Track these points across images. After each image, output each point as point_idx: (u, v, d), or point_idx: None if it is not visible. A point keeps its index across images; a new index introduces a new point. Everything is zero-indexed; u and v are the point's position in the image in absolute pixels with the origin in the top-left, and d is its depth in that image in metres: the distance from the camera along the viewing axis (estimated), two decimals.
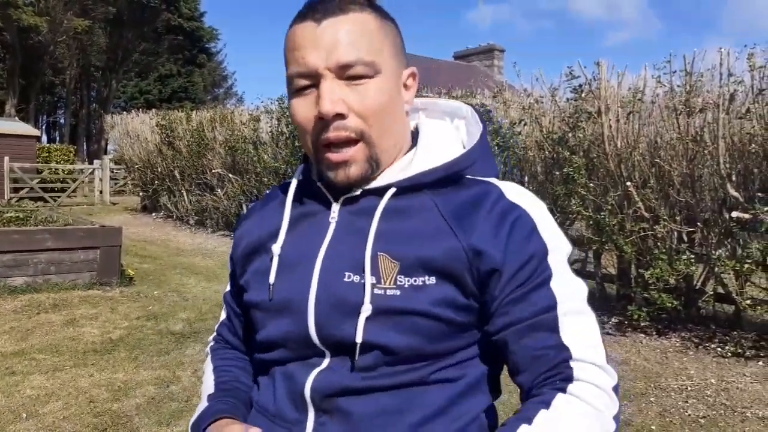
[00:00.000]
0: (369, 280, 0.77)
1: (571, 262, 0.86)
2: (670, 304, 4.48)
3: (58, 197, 15.51)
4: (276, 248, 0.86)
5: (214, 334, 1.06)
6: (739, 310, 4.54)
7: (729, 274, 4.53)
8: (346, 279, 0.79)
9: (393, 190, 0.82)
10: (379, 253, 0.78)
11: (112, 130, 15.20)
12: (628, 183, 4.68)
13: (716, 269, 4.51)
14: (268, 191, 1.05)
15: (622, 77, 4.87)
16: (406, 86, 0.87)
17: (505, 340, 0.77)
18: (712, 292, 4.68)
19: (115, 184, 17.60)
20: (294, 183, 0.92)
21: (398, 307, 0.76)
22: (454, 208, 0.80)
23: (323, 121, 0.78)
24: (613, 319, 5.08)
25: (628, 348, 4.39)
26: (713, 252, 4.43)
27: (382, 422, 0.76)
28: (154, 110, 14.11)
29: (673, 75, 4.47)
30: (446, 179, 0.83)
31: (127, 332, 4.42)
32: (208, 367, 1.00)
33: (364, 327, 0.76)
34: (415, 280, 0.77)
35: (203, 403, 0.91)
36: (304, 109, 0.80)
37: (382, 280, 0.77)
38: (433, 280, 0.77)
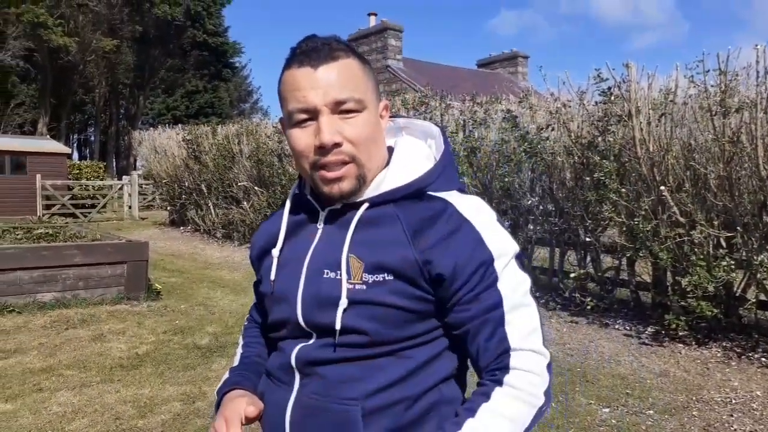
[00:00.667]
0: (345, 278, 0.95)
1: (520, 258, 1.00)
2: (709, 313, 4.30)
3: (89, 213, 15.76)
4: (275, 251, 1.07)
5: (248, 314, 1.28)
6: None
7: None
8: (325, 275, 0.98)
9: (366, 204, 1.00)
10: (349, 255, 0.96)
11: (139, 146, 15.43)
12: (662, 187, 4.53)
13: (758, 275, 4.31)
14: (280, 205, 1.23)
15: (653, 79, 4.72)
16: (381, 116, 1.05)
17: (464, 336, 0.96)
18: (754, 300, 4.48)
19: (144, 199, 17.84)
20: (290, 198, 1.12)
21: (364, 298, 0.94)
22: (414, 221, 0.97)
23: (322, 149, 0.95)
24: (649, 329, 4.91)
25: (666, 359, 4.22)
26: (754, 257, 4.25)
27: (347, 386, 0.95)
28: (180, 125, 14.28)
29: (706, 74, 4.32)
30: (409, 195, 1.00)
31: (153, 347, 4.41)
32: (240, 342, 1.23)
33: (342, 315, 0.95)
34: (376, 277, 0.94)
35: (226, 375, 1.12)
36: (303, 139, 0.97)
37: (352, 276, 0.95)
38: (390, 276, 0.94)
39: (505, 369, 0.93)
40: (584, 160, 5.20)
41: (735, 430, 3.11)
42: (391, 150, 1.09)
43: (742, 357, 4.18)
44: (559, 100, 5.43)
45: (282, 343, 1.06)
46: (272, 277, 1.06)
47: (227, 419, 1.01)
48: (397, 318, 0.95)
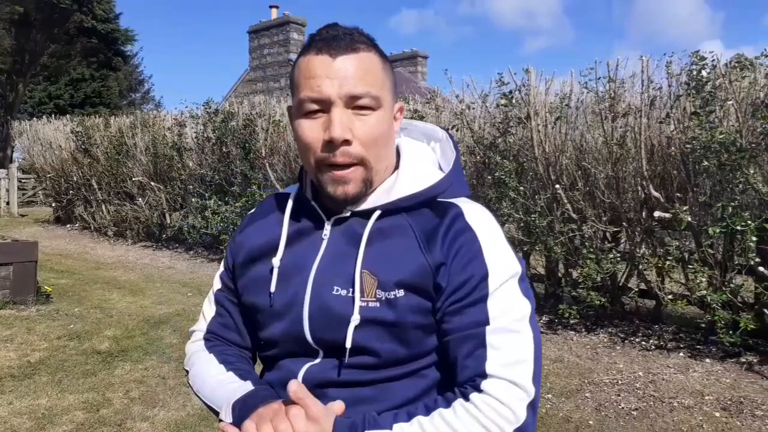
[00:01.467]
0: (358, 296, 0.89)
1: (524, 282, 0.94)
2: (597, 302, 4.66)
3: None
4: (276, 261, 0.98)
5: (203, 332, 1.09)
6: (660, 305, 4.79)
7: (651, 270, 4.77)
8: (334, 292, 0.92)
9: (378, 213, 0.95)
10: (362, 271, 0.91)
11: (20, 137, 14.25)
12: (557, 185, 4.84)
13: (639, 266, 4.73)
14: (263, 201, 1.13)
15: (550, 83, 5.03)
16: (395, 118, 0.99)
17: (446, 346, 0.90)
18: (636, 289, 4.91)
19: (24, 194, 16.50)
20: (291, 200, 1.04)
21: (378, 317, 0.89)
22: (425, 228, 0.93)
23: (330, 144, 0.89)
24: (543, 318, 5.24)
25: (560, 345, 4.53)
26: (636, 250, 4.65)
27: (359, 409, 0.88)
28: (68, 116, 13.35)
29: (597, 81, 4.66)
30: (423, 203, 0.96)
31: (47, 354, 4.13)
32: (212, 361, 1.03)
33: (353, 334, 0.89)
34: (389, 294, 0.89)
35: (244, 386, 0.94)
36: (312, 131, 0.91)
37: (365, 294, 0.89)
38: (402, 292, 0.89)
39: (476, 389, 0.85)
40: (486, 160, 5.44)
41: (623, 408, 3.41)
42: (396, 153, 1.03)
43: (626, 341, 4.57)
44: (463, 102, 5.65)
45: (283, 361, 0.98)
46: (272, 289, 0.97)
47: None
48: (410, 337, 0.90)
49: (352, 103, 0.89)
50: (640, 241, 4.69)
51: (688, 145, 4.14)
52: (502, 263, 0.91)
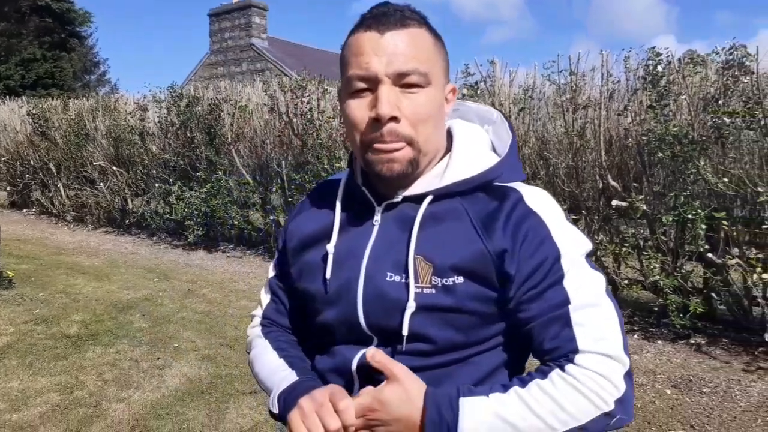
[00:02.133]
0: (413, 282, 0.88)
1: (590, 257, 0.93)
2: None
3: None
4: (330, 247, 0.97)
5: (260, 318, 1.14)
6: (616, 289, 5.03)
7: (608, 257, 5.00)
8: (388, 278, 0.90)
9: (429, 198, 0.92)
10: (416, 257, 0.89)
11: None
12: None
13: (598, 253, 4.95)
14: (313, 189, 1.12)
15: (514, 75, 5.19)
16: (447, 100, 0.96)
17: (530, 334, 0.89)
18: None
19: None
20: (342, 185, 1.02)
21: (435, 303, 0.87)
22: (482, 213, 0.90)
23: (377, 123, 0.87)
24: None
25: None
26: (595, 237, 4.87)
27: None
28: (23, 98, 12.94)
29: (559, 74, 4.84)
30: (477, 188, 0.93)
31: (15, 338, 4.10)
32: (267, 347, 1.07)
33: (409, 321, 0.88)
34: (446, 280, 0.87)
35: (290, 377, 0.96)
36: (359, 110, 0.89)
37: (420, 280, 0.88)
38: (461, 279, 0.87)
39: (571, 362, 0.83)
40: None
41: None
42: (447, 136, 1.00)
43: None
44: None
45: (336, 347, 0.97)
46: (328, 275, 0.95)
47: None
48: (467, 323, 0.89)
49: (401, 80, 0.87)
50: (599, 229, 4.91)
51: (644, 137, 4.35)
52: (571, 242, 0.90)
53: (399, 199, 0.95)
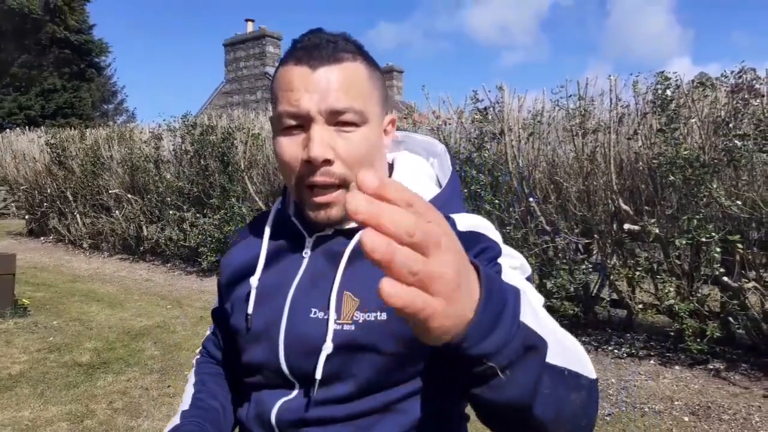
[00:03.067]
0: (332, 317, 0.83)
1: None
2: (571, 311, 4.81)
3: None
4: (253, 281, 0.92)
5: (201, 347, 1.13)
6: (631, 314, 4.96)
7: (622, 281, 4.94)
8: (312, 315, 0.85)
9: (361, 232, 0.82)
10: (345, 292, 0.83)
11: None
12: (530, 199, 5.00)
13: (611, 276, 4.90)
14: (253, 219, 1.08)
15: (522, 100, 5.20)
16: (386, 132, 0.92)
17: None
18: (607, 299, 5.07)
19: None
20: (272, 216, 0.98)
21: (353, 341, 0.81)
22: None
23: (310, 165, 0.82)
24: None
25: None
26: (608, 260, 4.82)
27: None
28: (42, 128, 13.21)
29: (568, 99, 4.85)
30: None
31: (28, 366, 4.13)
32: (191, 379, 1.07)
33: (325, 362, 0.82)
34: (368, 316, 0.82)
35: (176, 419, 0.97)
36: (290, 149, 0.85)
37: (342, 316, 0.83)
38: (384, 315, 0.81)
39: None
40: (461, 174, 5.59)
41: (597, 414, 3.54)
42: (389, 167, 0.97)
43: (599, 349, 4.71)
44: (440, 118, 5.80)
45: (258, 393, 0.91)
46: (249, 310, 0.91)
47: None
48: (391, 364, 0.82)
49: (334, 119, 0.82)
50: (611, 253, 4.86)
51: (654, 161, 4.33)
52: (513, 253, 0.83)
53: (330, 232, 0.90)
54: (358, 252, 0.83)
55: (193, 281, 7.50)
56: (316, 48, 0.84)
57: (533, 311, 0.58)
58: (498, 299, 0.52)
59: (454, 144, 5.75)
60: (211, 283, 7.32)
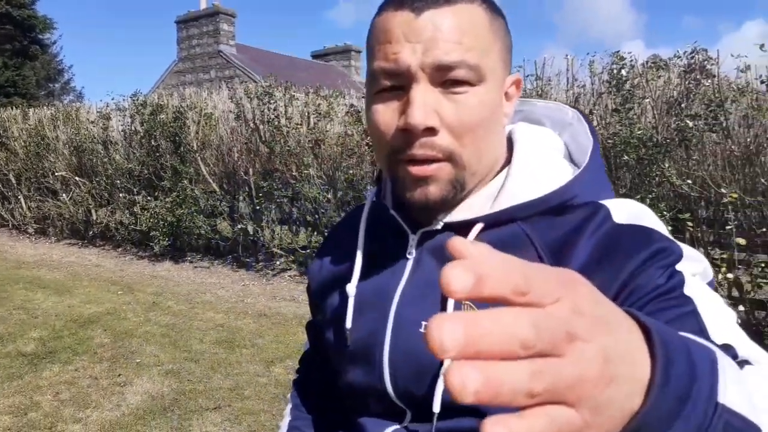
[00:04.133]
0: None
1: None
2: None
3: None
4: (350, 289, 0.77)
5: (298, 365, 1.02)
6: None
7: None
8: (422, 329, 0.69)
9: (480, 226, 0.69)
10: (464, 303, 0.65)
11: None
12: None
13: None
14: (346, 215, 0.93)
15: None
16: (507, 95, 0.73)
17: None
18: None
19: None
20: (366, 210, 0.82)
21: None
22: (551, 238, 0.67)
23: (408, 134, 0.65)
24: None
25: None
26: None
27: None
28: None
29: (525, 79, 4.84)
30: (546, 211, 0.69)
31: None
32: (286, 409, 0.96)
33: (443, 391, 0.66)
34: None
35: None
36: (385, 115, 0.67)
37: None
38: None
39: (741, 359, 0.51)
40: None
41: None
42: (508, 143, 0.77)
43: None
44: None
45: (361, 419, 0.76)
46: (348, 324, 0.76)
47: None
48: None
49: (442, 76, 0.64)
50: None
51: (609, 140, 4.37)
52: (692, 253, 0.64)
53: (439, 226, 0.72)
54: None
55: (145, 266, 7.29)
56: None
57: (738, 380, 0.39)
58: (682, 374, 0.35)
59: None
60: (163, 268, 7.13)
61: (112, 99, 8.90)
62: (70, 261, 7.74)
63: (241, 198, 7.06)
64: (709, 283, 0.64)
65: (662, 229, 0.66)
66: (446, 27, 0.64)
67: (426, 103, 0.64)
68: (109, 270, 7.09)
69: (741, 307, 3.85)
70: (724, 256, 3.92)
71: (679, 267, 0.61)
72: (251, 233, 6.89)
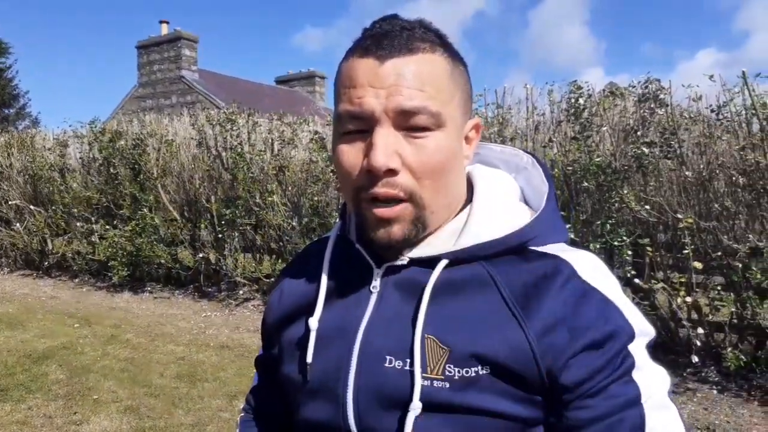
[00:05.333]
0: (418, 369, 0.67)
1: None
2: None
3: None
4: (313, 322, 0.76)
5: (244, 403, 0.97)
6: None
7: None
8: (387, 364, 0.70)
9: (444, 262, 0.72)
10: (426, 336, 0.68)
11: None
12: None
13: None
14: (305, 248, 0.94)
15: None
16: (467, 139, 0.77)
17: None
18: None
19: None
20: (331, 243, 0.82)
21: (448, 402, 0.66)
22: (517, 285, 0.69)
23: (371, 175, 0.68)
24: None
25: None
26: None
27: None
28: None
29: (486, 108, 4.93)
30: (507, 251, 0.72)
31: None
32: None
33: (413, 426, 0.66)
34: (466, 371, 0.66)
35: None
36: (350, 156, 0.70)
37: (428, 369, 0.67)
38: (486, 370, 0.66)
39: None
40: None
41: None
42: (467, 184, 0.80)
43: None
44: None
45: None
46: (309, 358, 0.75)
47: None
48: (493, 430, 0.66)
49: (403, 121, 0.68)
50: None
51: (569, 167, 4.46)
52: (641, 324, 0.69)
53: (405, 261, 0.74)
54: (443, 286, 0.71)
55: (103, 297, 7.08)
56: (387, 36, 0.70)
57: None
58: None
59: None
60: (122, 299, 6.93)
61: (70, 126, 8.73)
62: (23, 293, 7.46)
63: (202, 226, 6.94)
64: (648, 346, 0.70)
65: (617, 290, 0.71)
66: (409, 75, 0.68)
67: (388, 146, 0.67)
68: (65, 302, 6.86)
69: (700, 330, 3.94)
70: (683, 279, 4.01)
71: (630, 348, 0.67)
72: (213, 262, 6.77)
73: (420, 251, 0.74)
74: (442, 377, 0.66)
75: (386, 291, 0.75)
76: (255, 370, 0.98)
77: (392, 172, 0.68)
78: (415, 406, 0.66)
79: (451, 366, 0.66)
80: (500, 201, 0.77)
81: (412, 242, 0.73)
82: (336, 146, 0.73)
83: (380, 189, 0.68)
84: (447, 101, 0.70)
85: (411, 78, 0.68)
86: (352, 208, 0.75)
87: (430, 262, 0.73)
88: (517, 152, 0.86)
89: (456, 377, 0.66)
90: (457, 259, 0.72)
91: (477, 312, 0.69)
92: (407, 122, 0.68)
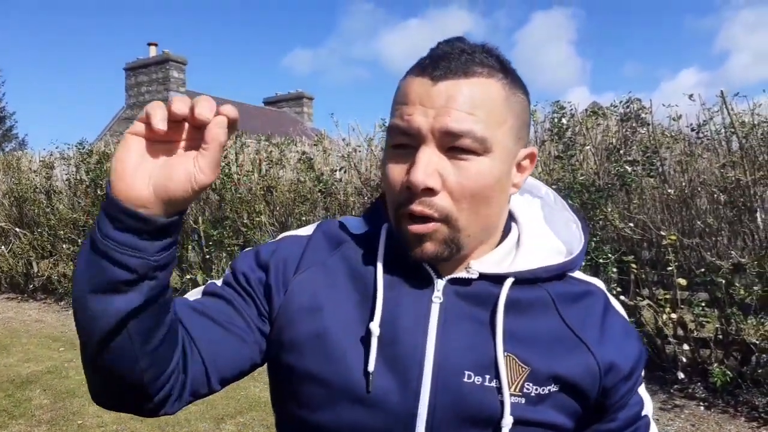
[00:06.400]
0: (506, 386, 0.69)
1: None
2: None
3: None
4: (374, 327, 0.71)
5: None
6: None
7: None
8: (466, 379, 0.69)
9: (511, 281, 0.74)
10: (506, 354, 0.70)
11: None
12: None
13: None
14: (318, 226, 0.85)
15: None
16: (520, 167, 0.77)
17: None
18: None
19: None
20: (382, 240, 0.78)
21: (524, 417, 0.69)
22: (571, 309, 0.76)
23: (410, 192, 0.69)
24: None
25: None
26: None
27: None
28: None
29: None
30: (556, 276, 0.78)
31: None
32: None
33: None
34: (543, 389, 0.70)
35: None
36: (394, 170, 0.72)
37: (511, 385, 0.70)
38: (556, 388, 0.71)
39: None
40: (373, 200, 5.60)
41: None
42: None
43: None
44: (350, 145, 5.80)
45: None
46: (371, 366, 0.70)
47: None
48: None
49: (450, 142, 0.69)
50: None
51: (554, 186, 4.51)
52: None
53: (475, 275, 0.74)
54: (510, 303, 0.72)
55: None
56: (445, 58, 0.71)
57: None
58: None
59: (365, 171, 5.76)
60: None
61: (57, 147, 8.69)
62: (8, 317, 7.37)
63: (190, 247, 6.91)
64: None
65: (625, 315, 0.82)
66: (460, 97, 0.69)
67: (429, 165, 0.68)
68: (51, 325, 6.78)
69: (686, 346, 3.97)
70: (668, 296, 4.05)
71: (640, 391, 0.79)
72: (201, 283, 6.73)
73: (484, 266, 0.75)
74: (520, 394, 0.70)
75: (451, 302, 0.73)
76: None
77: (431, 192, 0.69)
78: (507, 423, 0.68)
79: (530, 384, 0.70)
80: (543, 226, 0.83)
81: (441, 261, 0.73)
82: (385, 160, 0.75)
83: (416, 207, 0.70)
84: (497, 127, 0.70)
85: (462, 101, 0.69)
86: (394, 224, 0.75)
87: (496, 279, 0.74)
88: (536, 183, 0.90)
89: (533, 394, 0.70)
90: (522, 279, 0.75)
91: (545, 333, 0.73)
92: (452, 144, 0.69)
